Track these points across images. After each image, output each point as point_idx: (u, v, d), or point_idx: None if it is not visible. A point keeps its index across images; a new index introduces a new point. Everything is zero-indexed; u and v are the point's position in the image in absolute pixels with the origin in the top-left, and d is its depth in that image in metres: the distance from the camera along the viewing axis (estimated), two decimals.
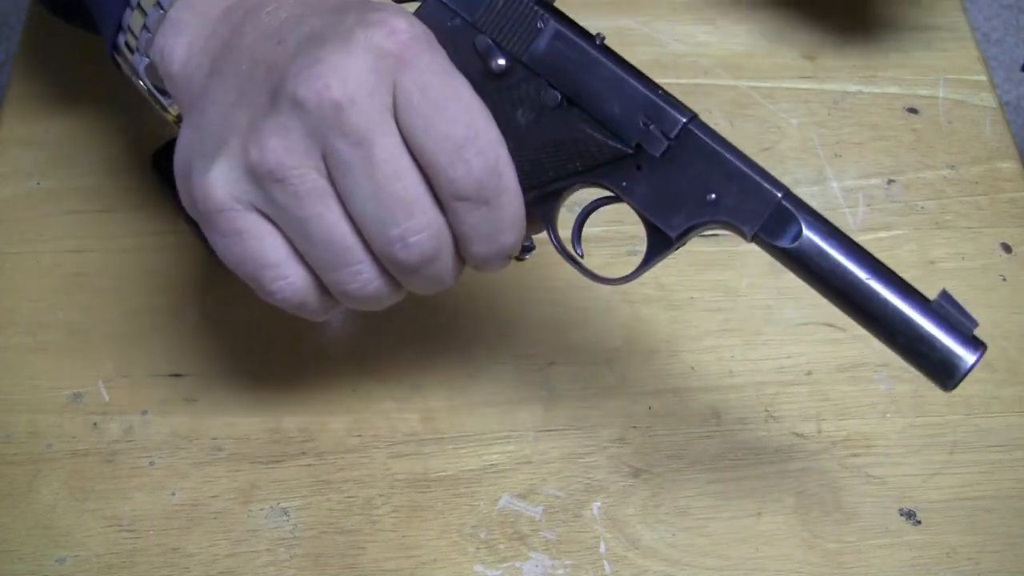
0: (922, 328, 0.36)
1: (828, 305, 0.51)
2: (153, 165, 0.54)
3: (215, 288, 0.51)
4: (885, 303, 0.36)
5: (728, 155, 0.36)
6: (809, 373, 0.49)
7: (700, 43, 0.61)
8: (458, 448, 0.47)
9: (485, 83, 0.37)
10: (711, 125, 0.37)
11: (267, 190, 0.35)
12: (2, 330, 0.50)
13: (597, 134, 0.37)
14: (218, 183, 0.35)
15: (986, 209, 0.55)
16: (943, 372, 0.36)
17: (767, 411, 0.48)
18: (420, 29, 0.36)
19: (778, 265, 0.52)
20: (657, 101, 0.36)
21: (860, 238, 0.53)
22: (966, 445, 0.48)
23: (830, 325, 0.51)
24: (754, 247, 0.53)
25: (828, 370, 0.49)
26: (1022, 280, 0.52)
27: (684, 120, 0.36)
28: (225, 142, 0.35)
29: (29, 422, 0.47)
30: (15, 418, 0.47)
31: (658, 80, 0.59)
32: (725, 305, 0.51)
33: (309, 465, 0.46)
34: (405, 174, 0.35)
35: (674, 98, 0.37)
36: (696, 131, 0.37)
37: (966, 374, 0.35)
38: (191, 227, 0.53)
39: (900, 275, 0.37)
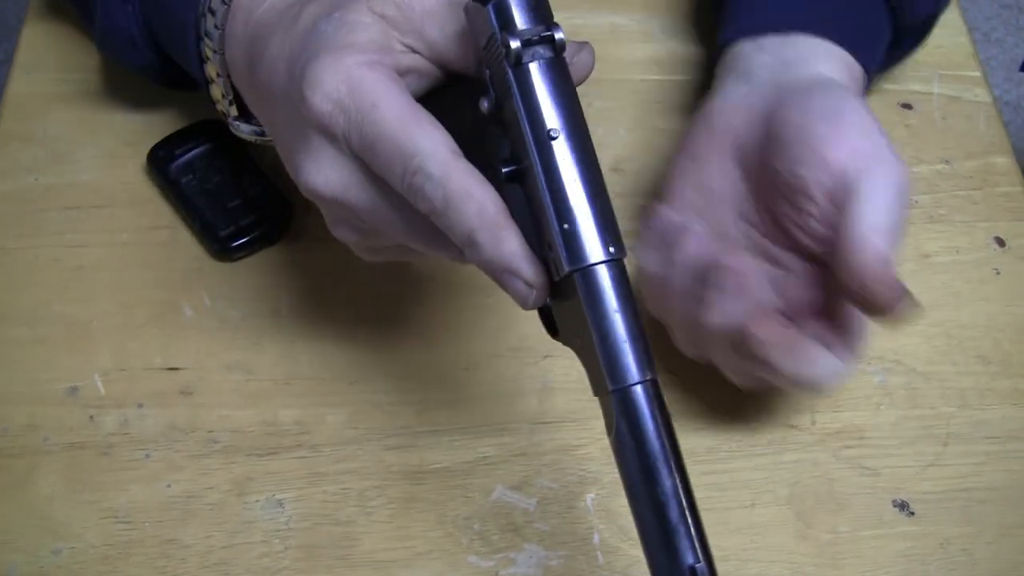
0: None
1: None
2: (150, 161, 0.54)
3: (211, 282, 0.51)
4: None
5: (592, 328, 0.34)
6: None
7: (695, 40, 0.61)
8: (453, 440, 0.47)
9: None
10: None
11: None
12: (0, 323, 0.50)
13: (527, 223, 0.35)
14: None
15: (980, 203, 0.55)
16: None
17: (761, 403, 0.48)
18: (331, 98, 0.37)
19: None
20: (556, 239, 0.34)
21: None
22: (960, 437, 0.48)
23: None
24: None
25: None
26: (1015, 274, 0.52)
27: (568, 269, 0.34)
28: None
29: (26, 415, 0.47)
30: (12, 411, 0.48)
31: (654, 77, 0.59)
32: None
33: (304, 457, 0.47)
34: None
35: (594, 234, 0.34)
36: (580, 284, 0.34)
37: None
38: (187, 222, 0.53)
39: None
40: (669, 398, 0.48)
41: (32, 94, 0.58)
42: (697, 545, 0.33)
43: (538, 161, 0.34)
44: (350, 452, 0.47)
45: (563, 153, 0.34)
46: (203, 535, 0.45)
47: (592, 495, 0.46)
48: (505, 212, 0.35)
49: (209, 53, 0.45)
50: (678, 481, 0.33)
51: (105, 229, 0.53)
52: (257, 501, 0.45)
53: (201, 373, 0.49)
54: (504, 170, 0.35)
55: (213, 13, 0.44)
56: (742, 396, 0.48)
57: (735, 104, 0.47)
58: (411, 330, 0.50)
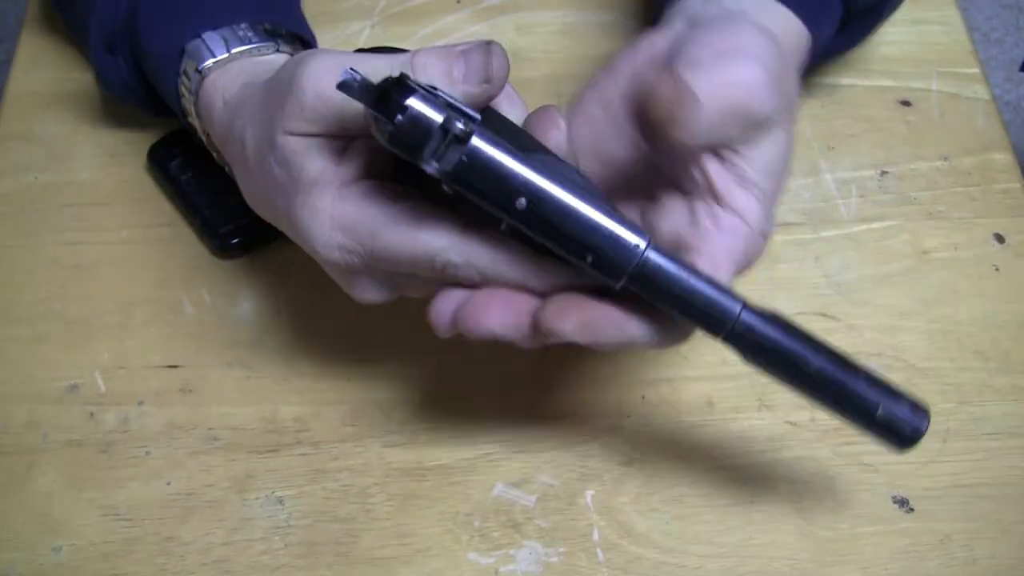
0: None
1: (821, 296, 0.51)
2: (150, 158, 0.54)
3: (210, 280, 0.51)
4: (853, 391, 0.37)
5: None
6: None
7: None
8: (452, 437, 0.47)
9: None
10: None
11: None
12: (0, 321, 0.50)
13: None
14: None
15: (979, 200, 0.55)
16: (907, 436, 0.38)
17: (760, 400, 0.48)
18: (333, 247, 0.38)
19: (771, 256, 0.53)
20: (589, 271, 0.35)
21: (854, 229, 0.54)
22: (959, 433, 0.48)
23: (823, 315, 0.51)
24: None
25: None
26: (1014, 270, 0.52)
27: (619, 287, 0.35)
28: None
29: (26, 412, 0.47)
30: (12, 409, 0.48)
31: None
32: None
33: (304, 454, 0.47)
34: None
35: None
36: (634, 287, 0.35)
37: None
38: (187, 220, 0.53)
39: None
40: (665, 397, 0.48)
41: (32, 93, 0.58)
42: (876, 387, 0.37)
43: (526, 230, 0.34)
44: (350, 449, 0.47)
45: (540, 210, 0.34)
46: (203, 532, 0.45)
47: (592, 492, 0.46)
48: (535, 256, 0.36)
49: (196, 126, 0.46)
50: (826, 353, 0.37)
51: (105, 227, 0.53)
52: (257, 498, 0.45)
53: (201, 370, 0.49)
54: (504, 228, 0.35)
55: (188, 94, 0.45)
56: (741, 393, 0.48)
57: (643, 44, 0.42)
58: (410, 327, 0.50)
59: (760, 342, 0.36)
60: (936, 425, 0.48)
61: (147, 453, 0.47)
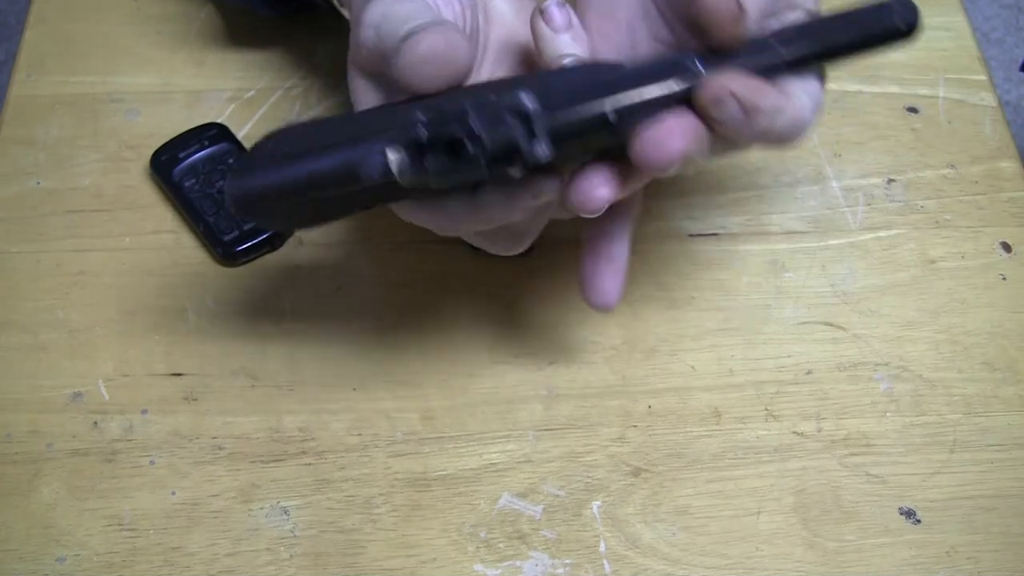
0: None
1: (827, 305, 0.51)
2: (153, 164, 0.54)
3: (214, 287, 0.51)
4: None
5: None
6: (809, 372, 0.49)
7: None
8: (458, 447, 0.47)
9: None
10: None
11: None
12: (2, 329, 0.50)
13: None
14: None
15: (986, 208, 0.55)
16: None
17: (767, 410, 0.48)
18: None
19: (778, 264, 0.52)
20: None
21: (860, 237, 0.54)
22: (966, 444, 0.48)
23: (830, 324, 0.51)
24: (753, 247, 0.53)
25: (828, 369, 0.49)
26: (1022, 279, 0.52)
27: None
28: None
29: (29, 421, 0.47)
30: (15, 417, 0.47)
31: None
32: (725, 304, 0.51)
33: (309, 464, 0.46)
34: None
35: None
36: None
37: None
38: (190, 226, 0.53)
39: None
40: (671, 407, 0.48)
41: (33, 97, 0.58)
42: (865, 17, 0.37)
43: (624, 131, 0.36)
44: (355, 459, 0.47)
45: (629, 118, 0.35)
46: (208, 543, 0.44)
47: (598, 502, 0.46)
48: None
49: None
50: (835, 26, 0.37)
51: (107, 234, 0.53)
52: (262, 508, 0.45)
53: (205, 379, 0.49)
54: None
55: None
56: (748, 403, 0.48)
57: None
58: (415, 336, 0.50)
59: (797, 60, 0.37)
60: (943, 436, 0.48)
61: (151, 462, 0.46)
